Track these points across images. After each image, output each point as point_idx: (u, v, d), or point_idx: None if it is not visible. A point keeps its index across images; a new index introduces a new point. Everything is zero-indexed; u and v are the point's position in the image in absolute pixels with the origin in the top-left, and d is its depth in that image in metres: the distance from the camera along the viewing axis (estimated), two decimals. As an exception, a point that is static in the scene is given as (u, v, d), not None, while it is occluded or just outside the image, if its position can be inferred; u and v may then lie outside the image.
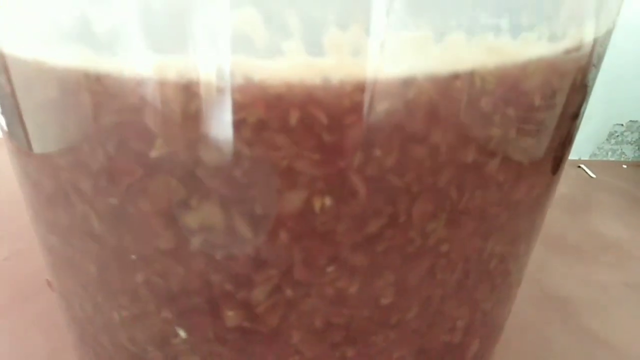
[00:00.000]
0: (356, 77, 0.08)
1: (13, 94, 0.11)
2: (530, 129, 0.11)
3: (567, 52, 0.10)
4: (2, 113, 0.12)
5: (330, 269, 0.11)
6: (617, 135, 0.46)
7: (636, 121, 0.45)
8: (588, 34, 0.11)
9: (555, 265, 0.29)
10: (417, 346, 0.13)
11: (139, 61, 0.08)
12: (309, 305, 0.11)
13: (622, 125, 0.45)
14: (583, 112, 0.14)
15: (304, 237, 0.10)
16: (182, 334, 0.12)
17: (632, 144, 0.46)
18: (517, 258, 0.15)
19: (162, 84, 0.08)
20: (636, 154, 0.47)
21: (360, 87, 0.08)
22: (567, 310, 0.25)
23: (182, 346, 0.12)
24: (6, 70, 0.11)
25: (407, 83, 0.09)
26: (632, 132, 0.46)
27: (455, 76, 0.09)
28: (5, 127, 0.13)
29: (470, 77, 0.09)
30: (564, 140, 0.13)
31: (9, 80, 0.11)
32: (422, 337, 0.13)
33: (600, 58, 0.13)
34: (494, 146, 0.10)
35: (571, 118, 0.13)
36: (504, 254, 0.13)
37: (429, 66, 0.09)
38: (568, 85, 0.11)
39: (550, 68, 0.10)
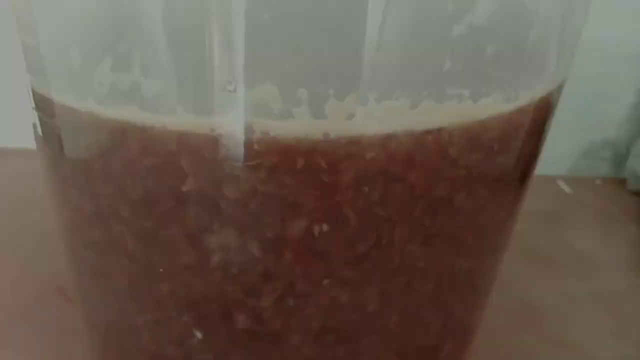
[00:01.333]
0: (350, 133, 0.11)
1: (60, 132, 0.13)
2: (492, 168, 0.13)
3: (520, 109, 0.13)
4: (49, 146, 0.14)
5: (325, 282, 0.13)
6: (593, 152, 0.49)
7: (611, 139, 0.48)
8: (540, 92, 0.13)
9: (528, 276, 0.31)
10: (397, 346, 0.15)
11: (179, 119, 0.11)
12: (308, 312, 0.13)
13: (597, 142, 0.48)
14: (544, 140, 0.16)
15: (305, 256, 0.12)
16: (199, 335, 0.14)
17: (606, 161, 0.49)
18: (485, 272, 0.17)
19: (197, 136, 0.11)
20: (611, 170, 0.49)
21: (352, 141, 0.11)
22: (538, 317, 0.28)
23: (198, 346, 0.15)
24: (53, 114, 0.13)
25: (389, 138, 0.11)
26: (606, 150, 0.48)
27: (427, 132, 0.11)
28: (48, 156, 0.15)
29: (439, 132, 0.11)
30: (525, 171, 0.16)
31: (56, 121, 0.13)
32: (401, 339, 0.15)
33: (558, 98, 0.15)
34: (460, 184, 0.13)
35: (530, 153, 0.15)
36: (472, 269, 0.16)
37: (406, 125, 0.11)
38: (525, 131, 0.14)
39: (506, 122, 0.13)
